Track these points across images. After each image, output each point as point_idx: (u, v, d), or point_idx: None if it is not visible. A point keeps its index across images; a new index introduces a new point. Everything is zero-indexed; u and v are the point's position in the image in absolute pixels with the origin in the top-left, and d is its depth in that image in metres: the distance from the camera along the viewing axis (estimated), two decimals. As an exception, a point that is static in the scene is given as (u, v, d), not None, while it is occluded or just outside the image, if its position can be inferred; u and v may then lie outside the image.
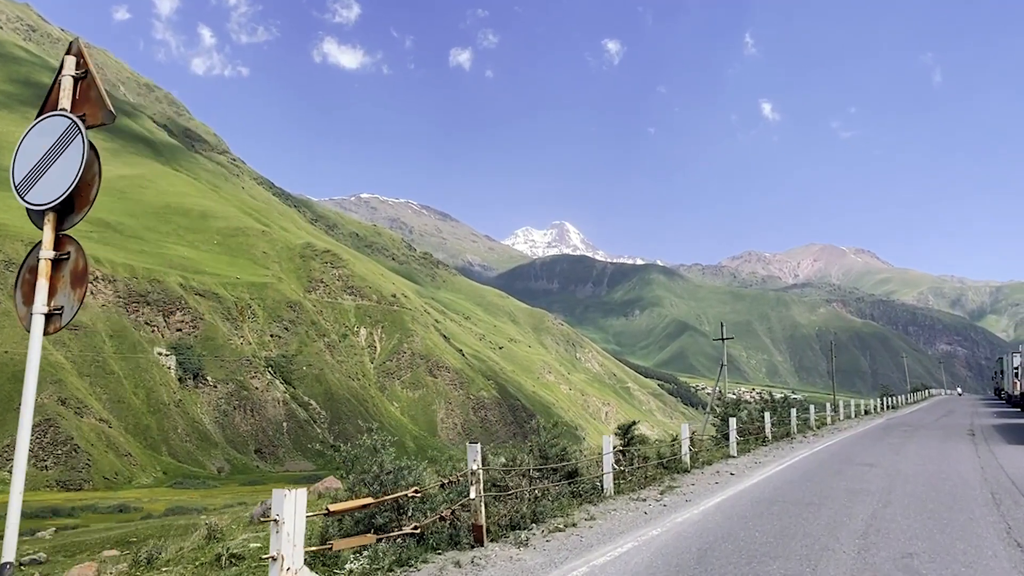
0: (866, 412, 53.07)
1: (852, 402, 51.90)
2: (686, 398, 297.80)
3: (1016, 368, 49.40)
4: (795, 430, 31.14)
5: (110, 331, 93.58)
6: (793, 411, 32.90)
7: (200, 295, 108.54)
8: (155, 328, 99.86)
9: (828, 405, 44.79)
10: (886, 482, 14.74)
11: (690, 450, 18.97)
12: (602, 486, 14.14)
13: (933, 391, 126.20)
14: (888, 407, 60.64)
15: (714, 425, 24.22)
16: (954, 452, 20.81)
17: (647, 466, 16.66)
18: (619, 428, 17.08)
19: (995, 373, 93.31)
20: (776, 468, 17.94)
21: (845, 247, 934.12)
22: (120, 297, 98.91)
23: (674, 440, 20.48)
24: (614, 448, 15.27)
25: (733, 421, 22.59)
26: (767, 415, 28.31)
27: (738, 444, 22.72)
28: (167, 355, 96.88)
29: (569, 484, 13.38)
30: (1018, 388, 49.10)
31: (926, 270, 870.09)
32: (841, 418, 44.43)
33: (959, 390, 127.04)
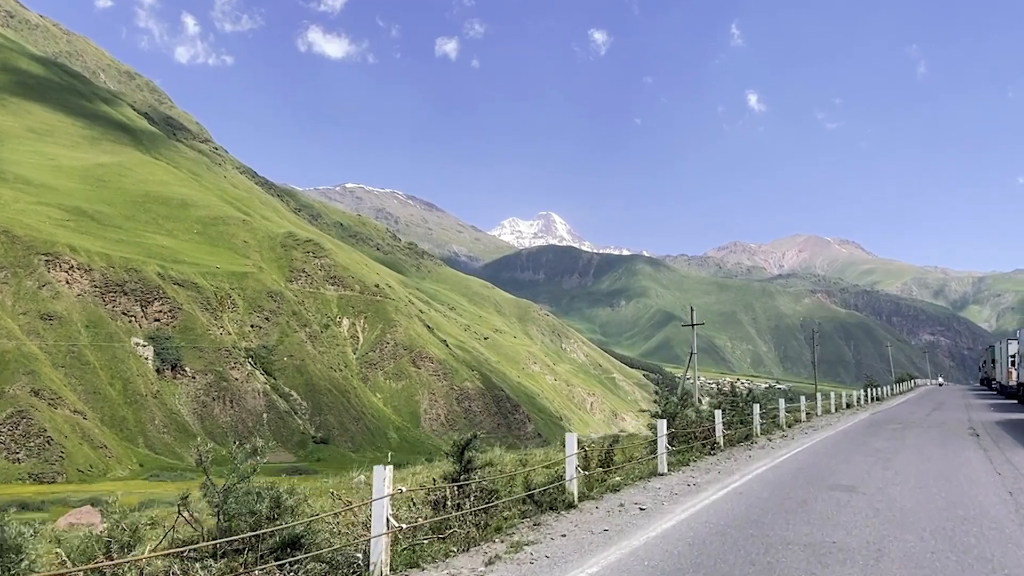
0: (848, 405, 47.47)
1: (832, 394, 46.02)
2: (671, 388, 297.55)
3: (1013, 356, 44.58)
4: (758, 432, 25.19)
5: (86, 321, 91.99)
6: (756, 407, 26.09)
7: (179, 285, 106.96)
8: (132, 318, 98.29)
9: (804, 398, 37.14)
10: (873, 528, 9.70)
11: (580, 473, 12.97)
12: (366, 562, 8.05)
13: (919, 381, 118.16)
14: (872, 399, 55.27)
15: (651, 427, 17.89)
16: (963, 466, 15.92)
17: (498, 504, 10.77)
18: (454, 446, 10.76)
19: (983, 362, 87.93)
20: (710, 498, 12.42)
21: (830, 238, 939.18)
22: (96, 287, 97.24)
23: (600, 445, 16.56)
24: (401, 489, 9.14)
25: (662, 424, 16.75)
26: (718, 414, 21.55)
27: (677, 454, 17.89)
28: (144, 345, 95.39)
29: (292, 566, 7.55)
30: (1014, 377, 44.26)
31: (910, 261, 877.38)
32: (819, 413, 38.59)
33: (940, 379, 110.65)
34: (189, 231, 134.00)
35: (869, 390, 54.61)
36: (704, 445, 20.03)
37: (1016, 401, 43.12)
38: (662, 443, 16.47)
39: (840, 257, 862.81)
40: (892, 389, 73.01)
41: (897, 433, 25.14)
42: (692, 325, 36.20)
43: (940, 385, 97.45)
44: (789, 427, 29.50)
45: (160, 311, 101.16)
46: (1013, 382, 45.09)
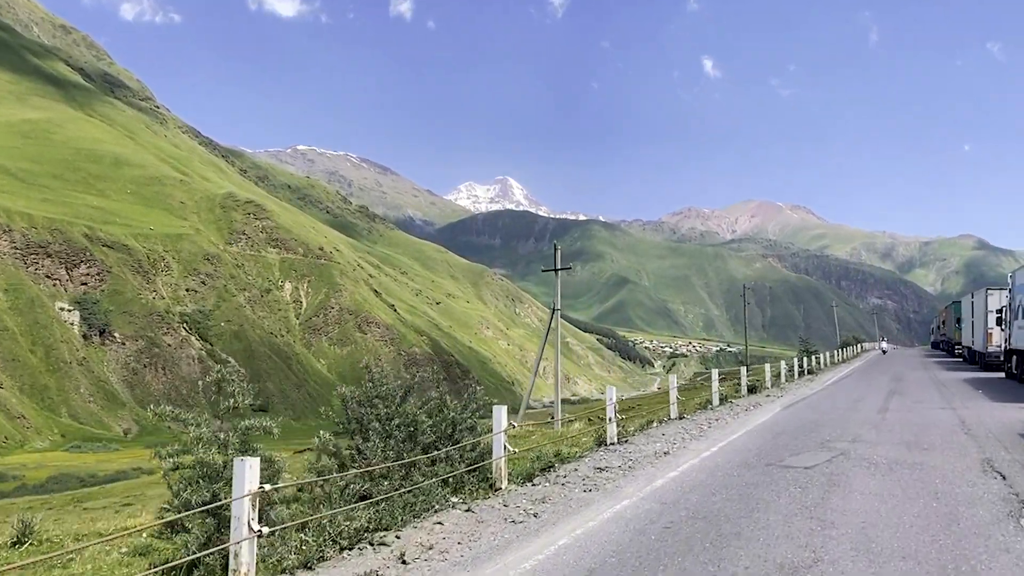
0: (753, 390, 26.45)
1: (744, 372, 27.25)
2: (624, 352, 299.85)
3: (1000, 312, 31.55)
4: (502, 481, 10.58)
5: (5, 285, 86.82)
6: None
7: (108, 247, 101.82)
8: (57, 281, 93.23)
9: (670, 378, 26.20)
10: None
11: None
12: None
13: (868, 345, 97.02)
14: (806, 371, 37.66)
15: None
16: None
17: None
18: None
19: (938, 324, 76.75)
20: None
21: (782, 203, 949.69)
22: (16, 248, 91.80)
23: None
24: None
25: None
26: None
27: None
28: (70, 310, 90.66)
29: None
30: (995, 340, 33.62)
31: (859, 226, 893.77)
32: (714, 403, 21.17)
33: (884, 344, 78.61)
34: (122, 191, 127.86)
35: (804, 359, 40.87)
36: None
37: (1005, 376, 29.89)
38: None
39: (792, 222, 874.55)
40: (836, 355, 58.43)
41: (808, 491, 8.78)
42: (556, 270, 26.19)
43: (884, 352, 67.55)
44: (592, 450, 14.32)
45: (87, 274, 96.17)
46: (994, 347, 33.65)
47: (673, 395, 18.05)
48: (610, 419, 13.41)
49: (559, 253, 27.29)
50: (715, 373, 22.64)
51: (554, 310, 24.52)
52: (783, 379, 31.35)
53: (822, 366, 45.04)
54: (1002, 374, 30.77)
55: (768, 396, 24.25)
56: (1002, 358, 31.74)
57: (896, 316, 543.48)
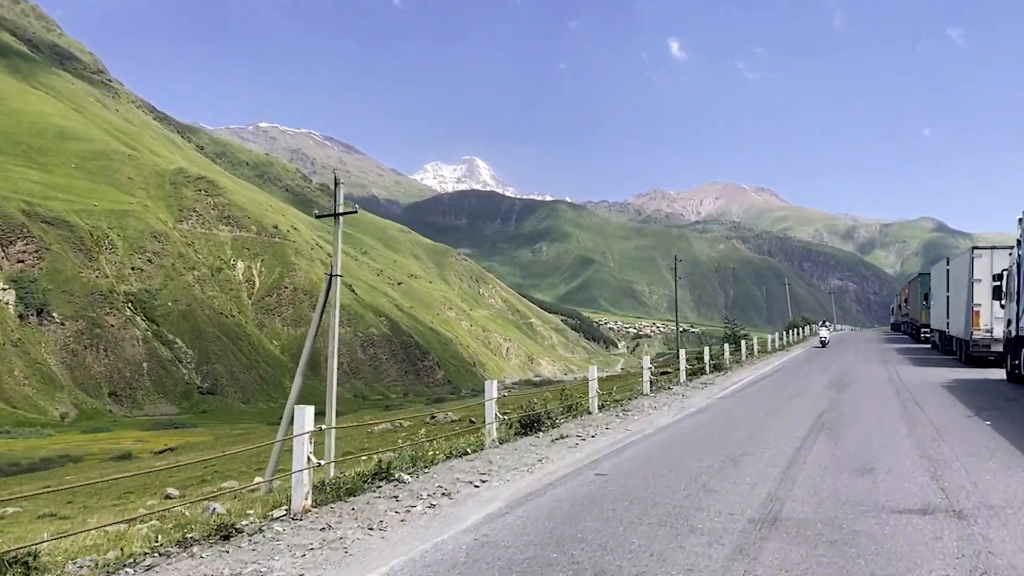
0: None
1: (647, 362, 22.18)
2: (588, 332, 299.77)
3: (996, 280, 23.00)
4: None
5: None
6: None
7: (47, 223, 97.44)
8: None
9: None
10: None
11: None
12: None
13: (821, 328, 65.00)
14: (711, 368, 26.47)
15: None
16: None
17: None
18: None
19: (902, 302, 63.73)
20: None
21: (746, 186, 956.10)
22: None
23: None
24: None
25: None
26: None
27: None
28: (5, 289, 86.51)
29: None
30: (982, 324, 24.92)
31: (822, 208, 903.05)
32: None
33: (823, 332, 49.52)
34: (65, 166, 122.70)
35: (725, 346, 31.06)
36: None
37: (1006, 378, 20.88)
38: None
39: (756, 204, 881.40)
40: (780, 339, 48.89)
41: None
42: (336, 215, 19.12)
43: (824, 343, 45.88)
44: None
45: (24, 251, 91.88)
46: (983, 331, 24.92)
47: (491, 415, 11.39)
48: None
49: (339, 190, 19.25)
50: (593, 371, 16.53)
51: (332, 275, 17.45)
52: (683, 376, 22.71)
53: (742, 358, 33.18)
54: (999, 374, 21.98)
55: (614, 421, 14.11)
56: (1001, 350, 22.71)
57: (857, 298, 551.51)
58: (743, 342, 35.20)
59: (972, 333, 25.38)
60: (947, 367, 25.94)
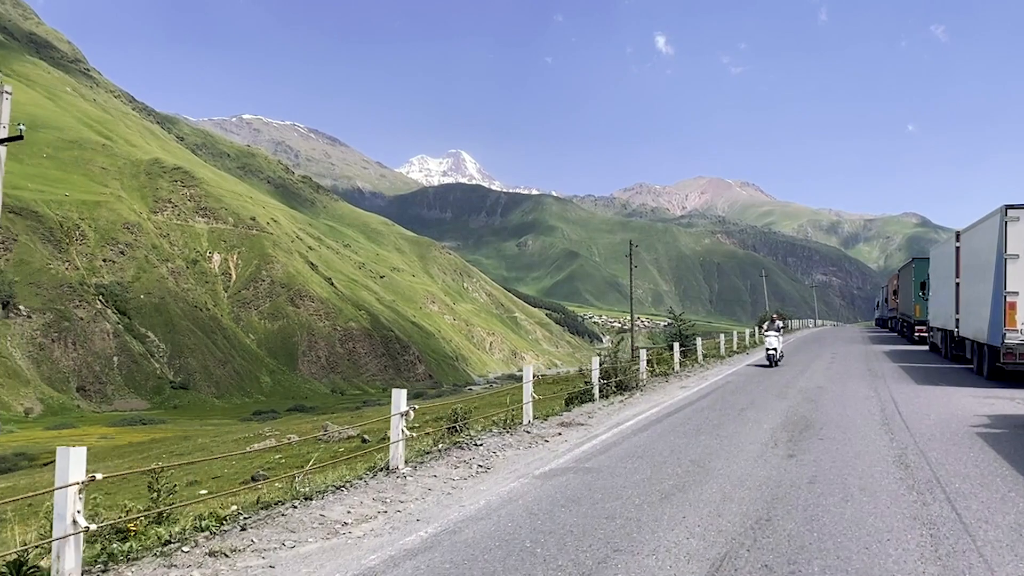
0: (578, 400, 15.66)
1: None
2: (573, 327, 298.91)
3: None
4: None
5: None
6: None
7: (15, 213, 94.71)
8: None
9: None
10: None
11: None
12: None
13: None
14: (616, 388, 17.51)
15: None
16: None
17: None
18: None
19: (890, 294, 54.31)
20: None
21: (731, 180, 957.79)
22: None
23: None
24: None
25: None
26: None
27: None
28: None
29: None
30: (1019, 322, 17.51)
31: (806, 203, 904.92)
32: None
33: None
34: (36, 155, 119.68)
35: (672, 347, 25.85)
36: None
37: None
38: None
39: (740, 199, 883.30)
40: (748, 337, 41.41)
41: None
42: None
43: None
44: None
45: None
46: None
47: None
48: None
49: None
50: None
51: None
52: (597, 392, 16.28)
53: (674, 367, 23.85)
54: None
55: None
56: None
57: (840, 292, 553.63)
58: (676, 346, 25.61)
59: (1005, 335, 17.44)
60: (967, 387, 17.69)
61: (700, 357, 27.94)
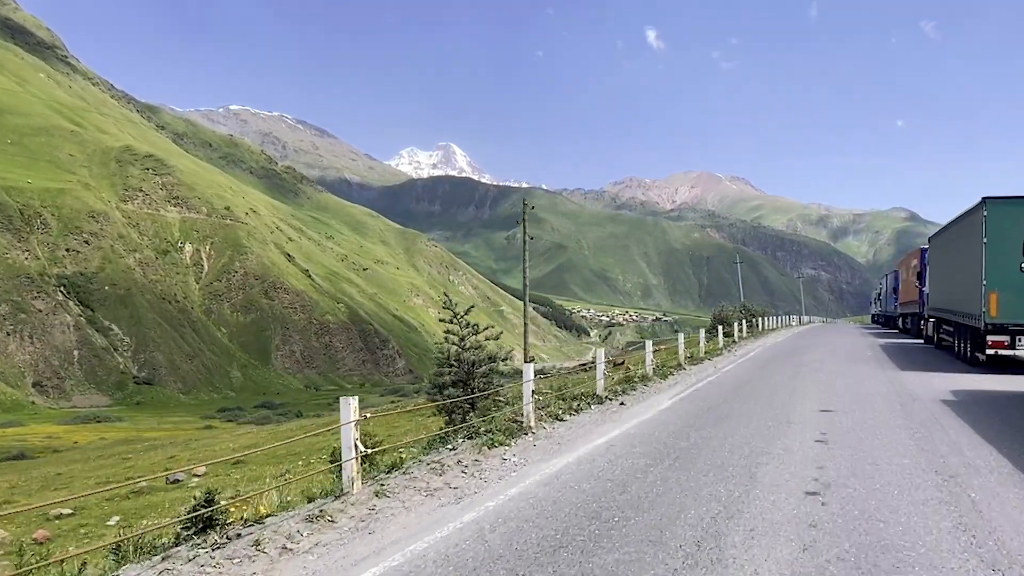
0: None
1: (530, 370, 11.98)
2: (560, 321, 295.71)
3: None
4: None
5: None
6: None
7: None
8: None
9: None
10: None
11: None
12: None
13: (802, 319, 67.46)
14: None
15: None
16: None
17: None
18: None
19: (914, 276, 36.15)
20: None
21: (721, 175, 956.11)
22: None
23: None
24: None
25: None
26: None
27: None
28: (-81, 272, 79.92)
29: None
30: None
31: (796, 198, 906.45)
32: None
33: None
34: (1, 142, 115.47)
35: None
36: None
37: None
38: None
39: (730, 193, 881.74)
40: (691, 348, 27.49)
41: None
42: None
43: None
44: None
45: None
46: None
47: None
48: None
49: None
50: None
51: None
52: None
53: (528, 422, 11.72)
54: None
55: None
56: None
57: (830, 287, 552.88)
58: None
59: None
60: None
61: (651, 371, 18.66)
